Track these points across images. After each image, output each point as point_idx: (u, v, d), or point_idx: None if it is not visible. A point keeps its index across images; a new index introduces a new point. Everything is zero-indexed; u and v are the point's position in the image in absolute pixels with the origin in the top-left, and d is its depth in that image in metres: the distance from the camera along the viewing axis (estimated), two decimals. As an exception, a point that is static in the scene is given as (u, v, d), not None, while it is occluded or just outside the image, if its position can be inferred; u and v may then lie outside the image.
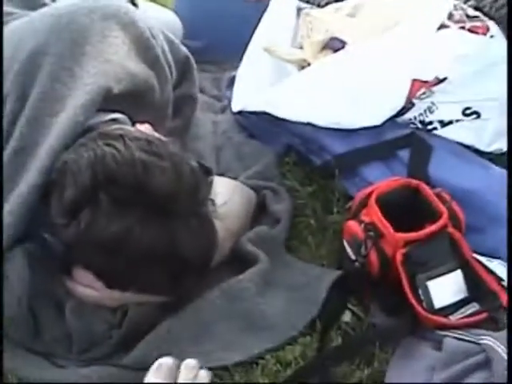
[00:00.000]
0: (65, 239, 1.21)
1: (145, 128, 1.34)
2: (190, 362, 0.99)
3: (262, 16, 1.87)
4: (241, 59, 1.89)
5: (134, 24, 1.45)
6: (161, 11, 2.19)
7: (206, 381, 0.99)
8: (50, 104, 1.33)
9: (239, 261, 1.39)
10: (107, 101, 1.35)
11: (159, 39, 1.53)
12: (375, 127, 1.54)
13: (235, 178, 1.56)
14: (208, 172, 1.30)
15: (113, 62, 1.38)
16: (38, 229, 1.29)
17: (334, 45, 1.62)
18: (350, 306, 1.31)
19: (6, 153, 1.31)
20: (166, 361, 0.98)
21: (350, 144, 1.56)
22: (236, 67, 1.92)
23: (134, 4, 1.88)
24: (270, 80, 1.69)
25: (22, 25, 1.48)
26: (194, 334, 1.24)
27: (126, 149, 1.18)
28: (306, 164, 1.63)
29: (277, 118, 1.59)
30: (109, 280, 1.22)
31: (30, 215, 1.26)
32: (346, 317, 1.30)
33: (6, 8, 1.61)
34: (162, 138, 1.28)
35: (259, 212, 1.52)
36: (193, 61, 1.70)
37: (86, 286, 1.26)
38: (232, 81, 1.87)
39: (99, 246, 1.16)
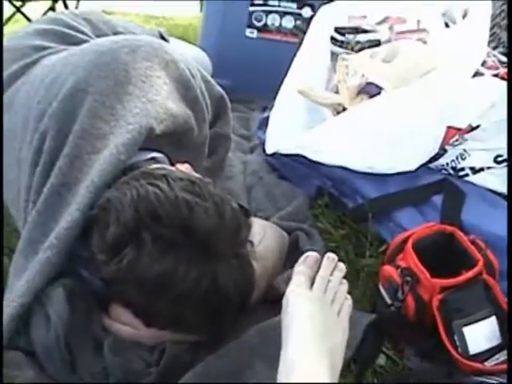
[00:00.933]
0: (105, 276, 1.20)
1: (185, 168, 1.35)
2: (331, 255, 1.25)
3: (290, 56, 1.90)
4: (269, 99, 1.91)
5: (176, 64, 1.46)
6: (190, 48, 2.20)
7: (343, 271, 1.25)
8: (90, 141, 1.33)
9: (274, 301, 1.38)
10: (148, 140, 1.36)
11: (198, 79, 1.55)
12: (408, 172, 1.57)
13: (267, 219, 1.57)
14: (247, 213, 1.31)
15: (155, 103, 1.38)
16: (74, 264, 1.29)
17: (371, 90, 1.64)
18: (384, 349, 1.32)
19: (45, 188, 1.31)
20: (312, 253, 1.23)
21: (383, 188, 1.59)
22: (264, 107, 1.94)
23: (165, 39, 1.90)
24: (304, 123, 1.71)
25: (60, 59, 1.49)
26: (232, 373, 1.23)
27: (169, 189, 1.17)
28: (338, 207, 1.65)
29: (311, 161, 1.61)
30: (148, 318, 1.22)
31: (70, 251, 1.26)
32: (381, 360, 1.30)
33: (41, 42, 1.63)
34: (204, 178, 1.28)
35: (292, 253, 1.52)
36: (227, 100, 1.72)
37: (124, 324, 1.26)
38: (264, 122, 1.89)
39: (141, 284, 1.15)
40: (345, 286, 1.24)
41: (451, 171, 1.60)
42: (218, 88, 1.69)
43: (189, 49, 2.18)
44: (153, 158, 1.40)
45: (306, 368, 1.06)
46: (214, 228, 1.16)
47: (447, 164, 1.59)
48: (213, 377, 1.21)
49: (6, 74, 1.58)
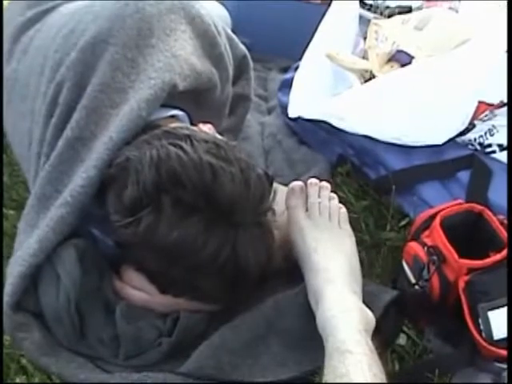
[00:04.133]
0: (120, 238, 1.15)
1: (208, 129, 1.29)
2: (312, 180, 1.37)
3: (310, 17, 1.84)
4: (287, 59, 1.90)
5: (202, 19, 1.40)
6: (211, 3, 2.13)
7: (329, 187, 1.37)
8: (109, 95, 1.27)
9: (291, 272, 1.34)
10: (170, 97, 1.30)
11: (223, 36, 1.49)
12: (435, 145, 1.52)
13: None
14: (271, 180, 1.24)
15: (179, 58, 1.32)
16: (85, 223, 1.24)
17: (401, 58, 1.58)
18: (405, 328, 1.28)
19: (60, 141, 1.26)
20: (297, 183, 1.36)
21: (407, 160, 1.54)
22: (285, 67, 1.88)
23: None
24: (330, 88, 1.65)
25: (80, 8, 1.42)
26: (248, 345, 1.18)
27: (193, 151, 1.11)
28: (359, 176, 1.60)
29: (335, 128, 1.56)
30: (163, 285, 1.17)
31: (84, 209, 1.21)
32: (402, 340, 1.26)
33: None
34: (229, 142, 1.22)
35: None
36: (250, 60, 1.66)
37: (136, 289, 1.21)
38: (285, 83, 1.83)
39: (158, 250, 1.10)
40: (335, 199, 1.36)
41: (478, 147, 1.53)
42: (242, 47, 1.63)
43: (210, 4, 2.10)
44: (173, 116, 1.34)
45: (330, 293, 1.16)
46: (238, 195, 1.11)
47: (475, 139, 1.53)
48: (230, 349, 1.17)
49: (20, 20, 1.52)
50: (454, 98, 1.47)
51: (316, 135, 1.70)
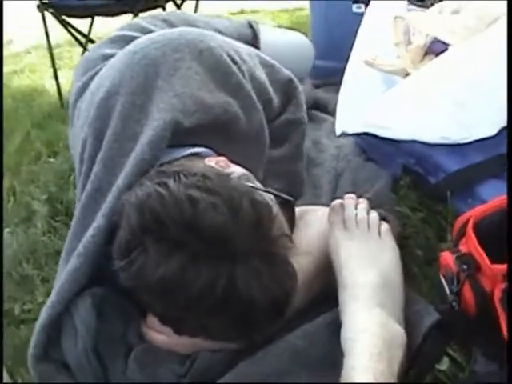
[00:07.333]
0: (122, 283, 1.14)
1: (216, 161, 1.25)
2: (349, 195, 1.36)
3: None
4: None
5: (211, 51, 1.38)
6: (289, 33, 2.11)
7: (366, 201, 1.34)
8: (122, 143, 1.29)
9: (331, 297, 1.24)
10: (181, 135, 1.28)
11: (245, 64, 1.44)
12: (490, 138, 1.35)
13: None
14: (288, 203, 1.20)
15: (182, 95, 1.31)
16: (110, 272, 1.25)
17: (436, 48, 1.44)
18: (450, 351, 1.13)
19: (83, 196, 1.30)
20: (335, 202, 1.34)
21: (465, 160, 1.38)
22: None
23: (253, 28, 1.83)
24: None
25: (106, 65, 1.48)
26: (275, 380, 1.12)
27: (176, 186, 1.09)
28: (421, 186, 1.48)
29: (381, 138, 1.44)
30: (174, 325, 1.14)
31: (98, 258, 1.22)
32: (444, 365, 1.11)
33: (111, 50, 1.60)
34: (226, 171, 1.18)
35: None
36: (297, 83, 1.59)
37: (158, 332, 1.21)
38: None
39: (150, 290, 1.08)
40: (374, 213, 1.32)
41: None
42: (285, 71, 1.57)
43: (281, 34, 2.07)
44: (194, 154, 1.31)
45: (350, 312, 1.14)
46: (223, 224, 1.05)
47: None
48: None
49: (77, 85, 1.58)
50: (499, 81, 1.28)
51: (379, 149, 1.58)
